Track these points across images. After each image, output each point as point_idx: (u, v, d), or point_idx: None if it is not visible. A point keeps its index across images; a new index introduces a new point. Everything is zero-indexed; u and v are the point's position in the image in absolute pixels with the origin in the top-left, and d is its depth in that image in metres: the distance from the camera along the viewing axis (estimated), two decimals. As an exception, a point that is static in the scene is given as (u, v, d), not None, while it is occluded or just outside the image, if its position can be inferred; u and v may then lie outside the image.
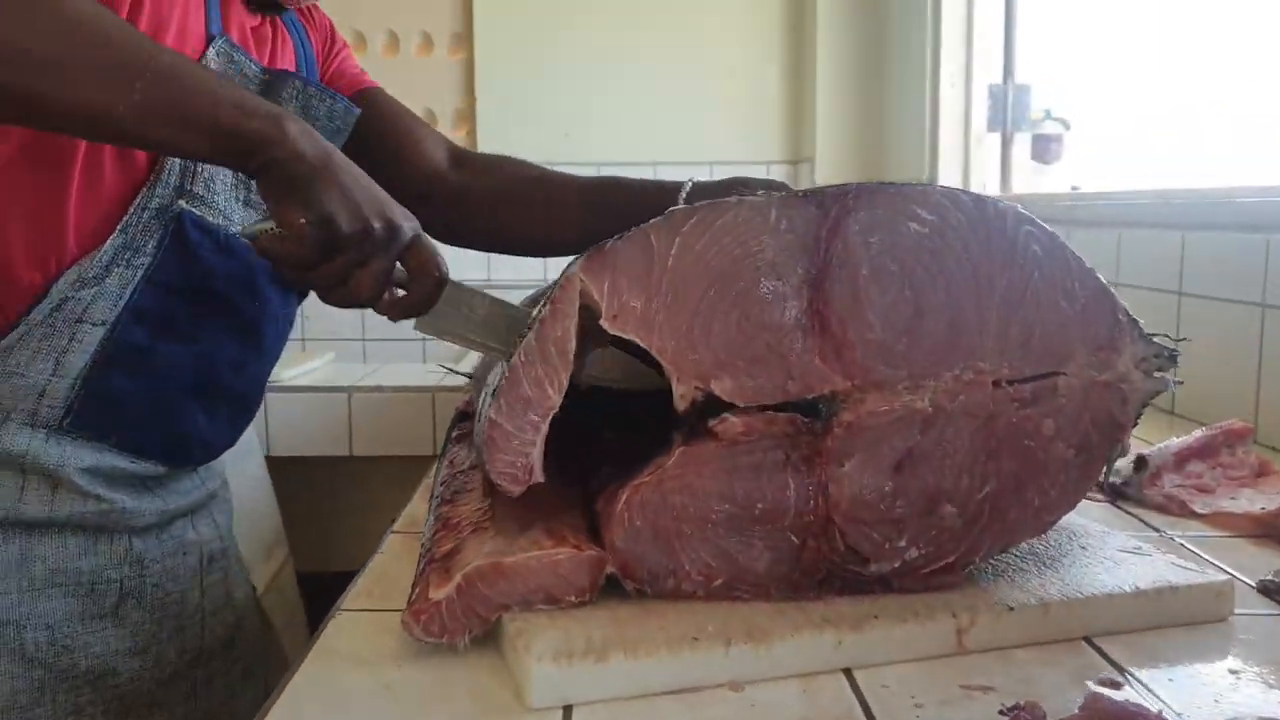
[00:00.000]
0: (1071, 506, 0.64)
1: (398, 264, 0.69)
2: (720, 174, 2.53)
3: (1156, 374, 0.64)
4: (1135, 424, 0.64)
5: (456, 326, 0.71)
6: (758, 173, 2.54)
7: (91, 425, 0.81)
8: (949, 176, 2.12)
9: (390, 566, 0.74)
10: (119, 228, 0.79)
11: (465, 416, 0.93)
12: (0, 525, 0.80)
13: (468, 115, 2.50)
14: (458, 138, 2.48)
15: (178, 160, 0.81)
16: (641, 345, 0.60)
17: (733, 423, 0.60)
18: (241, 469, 1.54)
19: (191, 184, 0.83)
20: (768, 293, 0.60)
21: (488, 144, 2.47)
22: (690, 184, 0.93)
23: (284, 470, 1.79)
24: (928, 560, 0.62)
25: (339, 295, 0.68)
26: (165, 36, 0.78)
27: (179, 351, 0.85)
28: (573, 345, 0.59)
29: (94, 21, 0.64)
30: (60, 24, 0.62)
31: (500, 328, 0.70)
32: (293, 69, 0.97)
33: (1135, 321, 0.64)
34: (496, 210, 1.06)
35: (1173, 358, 0.64)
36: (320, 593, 0.97)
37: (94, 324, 0.79)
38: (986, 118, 2.12)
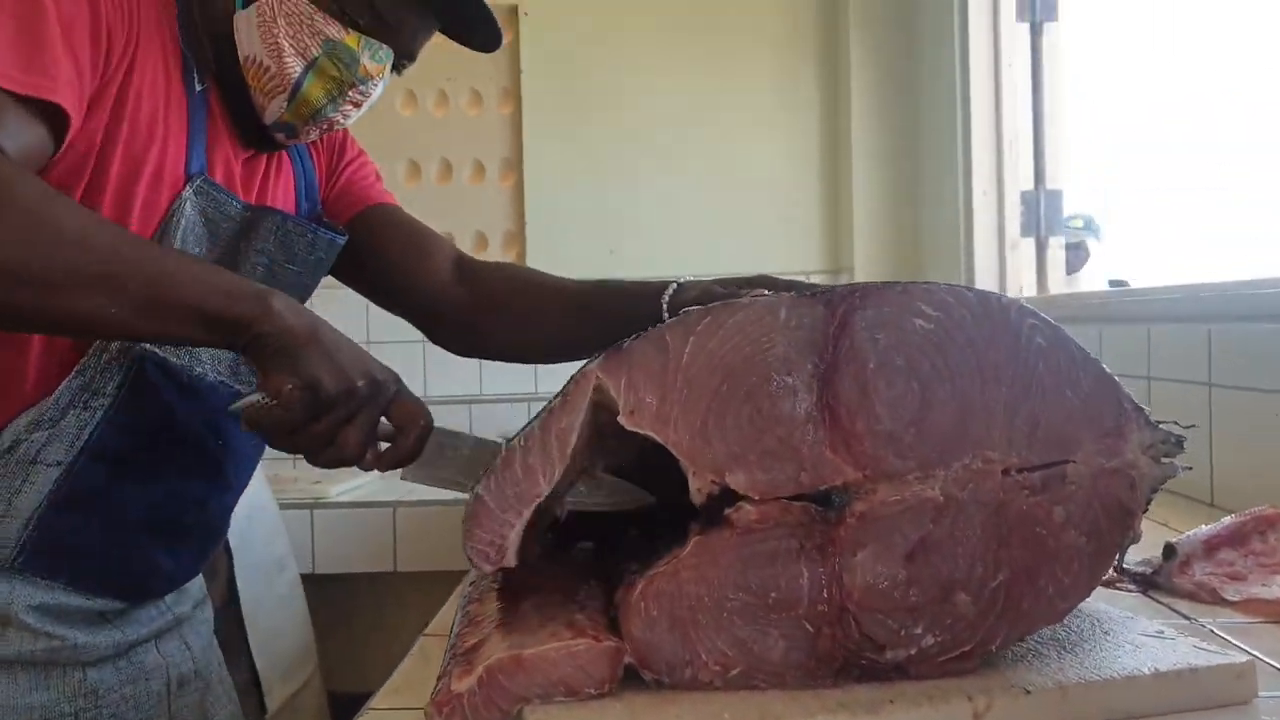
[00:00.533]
0: (1086, 593, 0.65)
1: (383, 419, 0.73)
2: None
3: (1164, 460, 0.65)
4: (1145, 510, 0.65)
5: (443, 471, 0.76)
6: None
7: (42, 565, 0.82)
8: (985, 281, 2.15)
9: (420, 667, 0.76)
10: (76, 370, 0.81)
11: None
12: None
13: (518, 237, 2.62)
14: (508, 258, 2.59)
15: None
16: (657, 440, 0.63)
17: (747, 511, 0.62)
18: (270, 589, 1.57)
19: None
20: (779, 388, 0.63)
21: (536, 262, 2.58)
22: (674, 287, 0.96)
23: (324, 587, 1.81)
24: (944, 648, 0.62)
25: (327, 455, 0.72)
26: (141, 176, 0.82)
27: (138, 491, 0.86)
28: (574, 440, 0.62)
29: (82, 234, 0.67)
30: (51, 240, 0.66)
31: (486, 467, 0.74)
32: (289, 197, 1.01)
33: (1140, 409, 0.65)
34: (488, 318, 1.08)
35: (1179, 443, 0.65)
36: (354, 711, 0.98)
37: (48, 465, 0.81)
38: (1020, 223, 2.15)
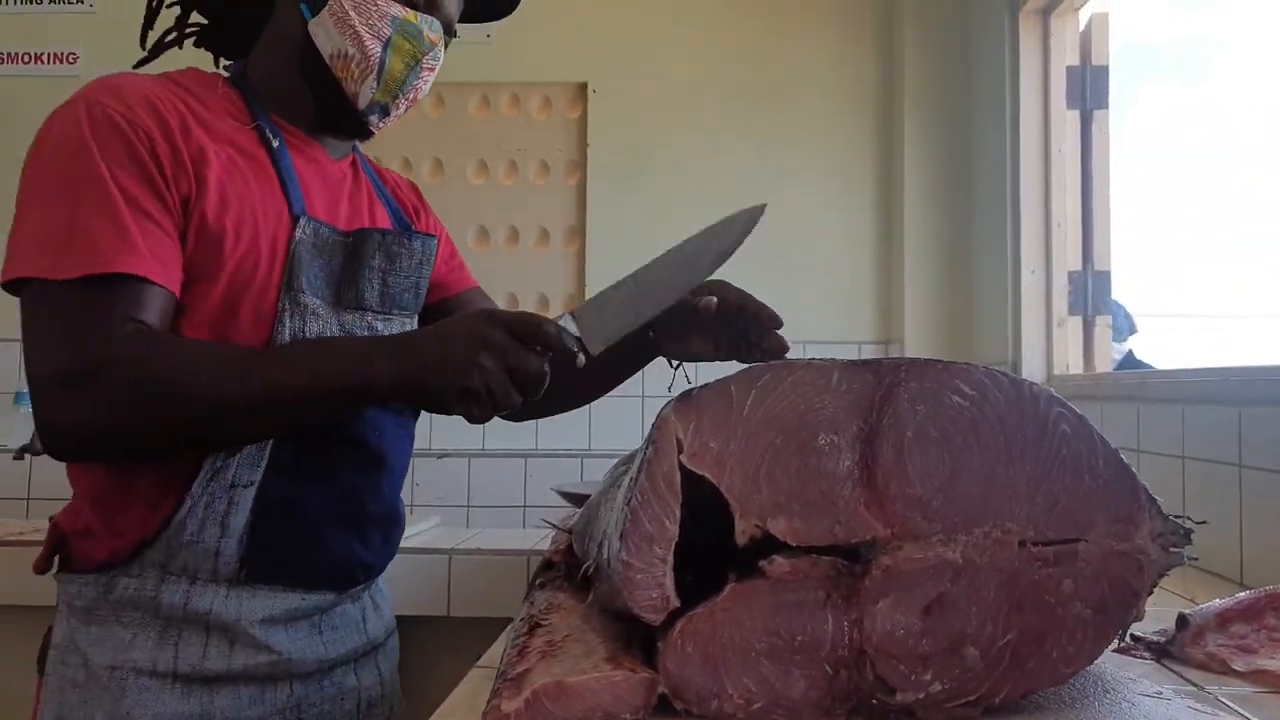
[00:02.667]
0: (1089, 662, 0.71)
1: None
2: (813, 353, 2.67)
3: (1173, 549, 0.71)
4: (1150, 592, 0.71)
5: (614, 325, 0.90)
6: (848, 352, 2.68)
7: (263, 572, 0.95)
8: (1032, 358, 2.20)
9: (472, 694, 0.81)
10: None
11: (549, 565, 1.03)
12: (185, 680, 0.93)
13: (578, 299, 2.73)
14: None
15: (288, 323, 0.96)
16: (712, 481, 0.70)
17: (780, 564, 0.69)
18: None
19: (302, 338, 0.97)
20: (825, 445, 0.70)
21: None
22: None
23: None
24: (950, 695, 0.69)
25: (529, 395, 0.86)
26: (259, 240, 0.94)
27: (322, 490, 0.98)
28: (678, 478, 0.69)
29: (217, 378, 0.85)
30: (201, 391, 0.84)
31: (652, 288, 0.92)
32: (384, 219, 1.12)
33: (1154, 500, 0.72)
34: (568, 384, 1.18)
35: (1188, 535, 0.71)
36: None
37: (244, 485, 0.93)
38: (1068, 302, 2.20)
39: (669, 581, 0.69)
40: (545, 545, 2.02)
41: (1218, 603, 0.97)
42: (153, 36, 1.07)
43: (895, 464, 0.70)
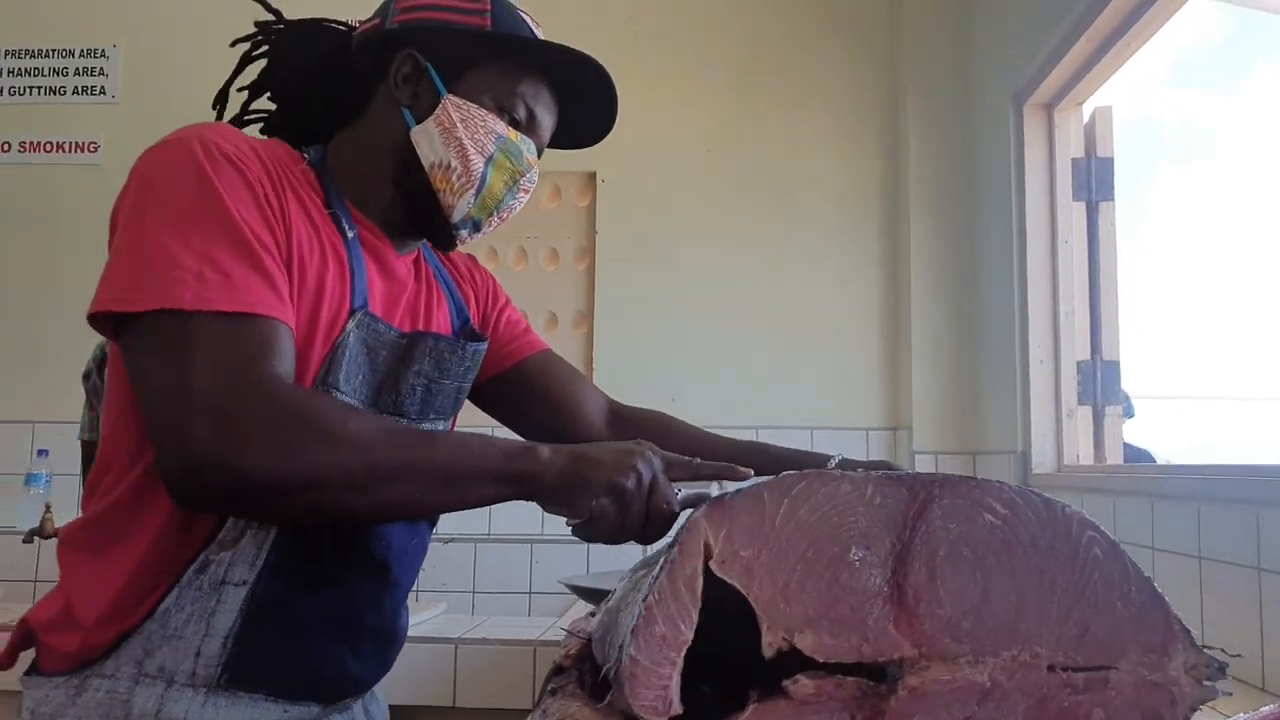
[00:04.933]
0: (1118, 795, 0.69)
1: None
2: (820, 437, 2.68)
3: (1206, 682, 0.70)
4: (1182, 727, 0.70)
5: None
6: (857, 438, 2.68)
7: (245, 679, 0.90)
8: (1042, 448, 2.20)
9: None
10: None
11: (560, 670, 1.01)
12: None
13: (586, 376, 2.75)
14: None
15: None
16: (740, 591, 0.70)
17: (805, 684, 0.68)
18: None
19: None
20: (857, 560, 0.70)
21: None
22: (838, 458, 1.02)
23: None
24: (979, 827, 0.67)
25: (655, 529, 0.88)
26: (318, 322, 0.91)
27: (318, 600, 0.94)
28: (700, 583, 0.68)
29: (376, 439, 0.82)
30: (359, 451, 0.81)
31: None
32: (444, 321, 1.10)
33: (1188, 630, 0.71)
34: None
35: (1222, 669, 0.70)
36: None
37: (235, 584, 0.89)
38: (1077, 392, 2.21)
39: (674, 685, 0.68)
40: (552, 634, 1.99)
41: (1241, 716, 0.96)
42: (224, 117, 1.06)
43: (927, 583, 0.70)
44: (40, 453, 2.59)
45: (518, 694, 1.87)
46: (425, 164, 0.98)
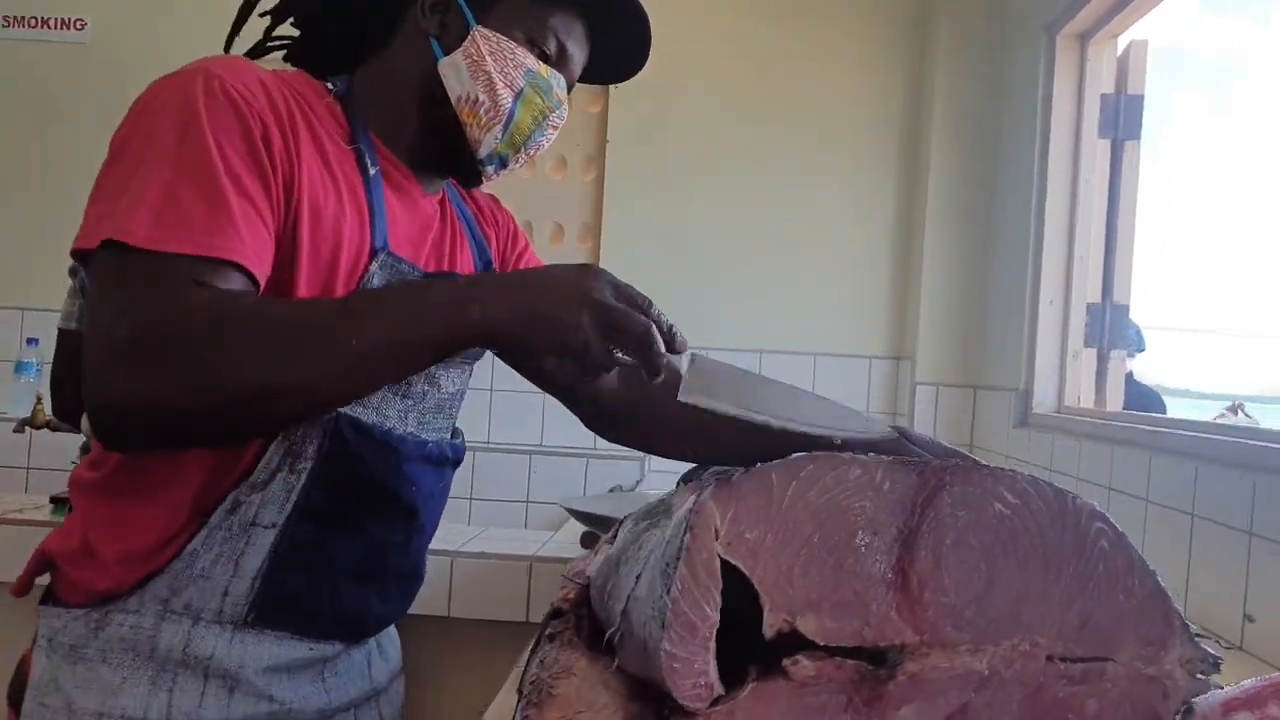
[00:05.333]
0: (1105, 782, 0.71)
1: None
2: (823, 365, 2.68)
3: (1200, 676, 0.71)
4: (1175, 719, 0.71)
5: (717, 394, 0.81)
6: (859, 366, 2.67)
7: (271, 618, 0.90)
8: (1044, 388, 2.20)
9: None
10: (281, 435, 0.88)
11: (558, 614, 1.01)
12: None
13: None
14: None
15: None
16: (744, 572, 0.70)
17: (805, 666, 0.68)
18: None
19: None
20: (863, 545, 0.69)
21: None
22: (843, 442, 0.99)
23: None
24: (968, 810, 0.69)
25: (647, 349, 0.78)
26: (338, 262, 0.89)
27: (347, 542, 0.94)
28: (718, 564, 0.68)
29: (303, 331, 0.78)
30: (287, 350, 0.77)
31: (764, 402, 0.80)
32: (468, 263, 1.08)
33: (1186, 625, 0.71)
34: (658, 429, 1.13)
35: (1216, 664, 0.71)
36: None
37: (264, 526, 0.88)
38: (1084, 334, 2.19)
39: (712, 670, 0.68)
40: (548, 550, 2.02)
41: (1223, 691, 0.98)
42: (239, 45, 1.01)
43: (933, 571, 0.70)
44: (30, 341, 2.59)
45: (512, 608, 1.92)
46: (452, 97, 0.95)
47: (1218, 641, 0.73)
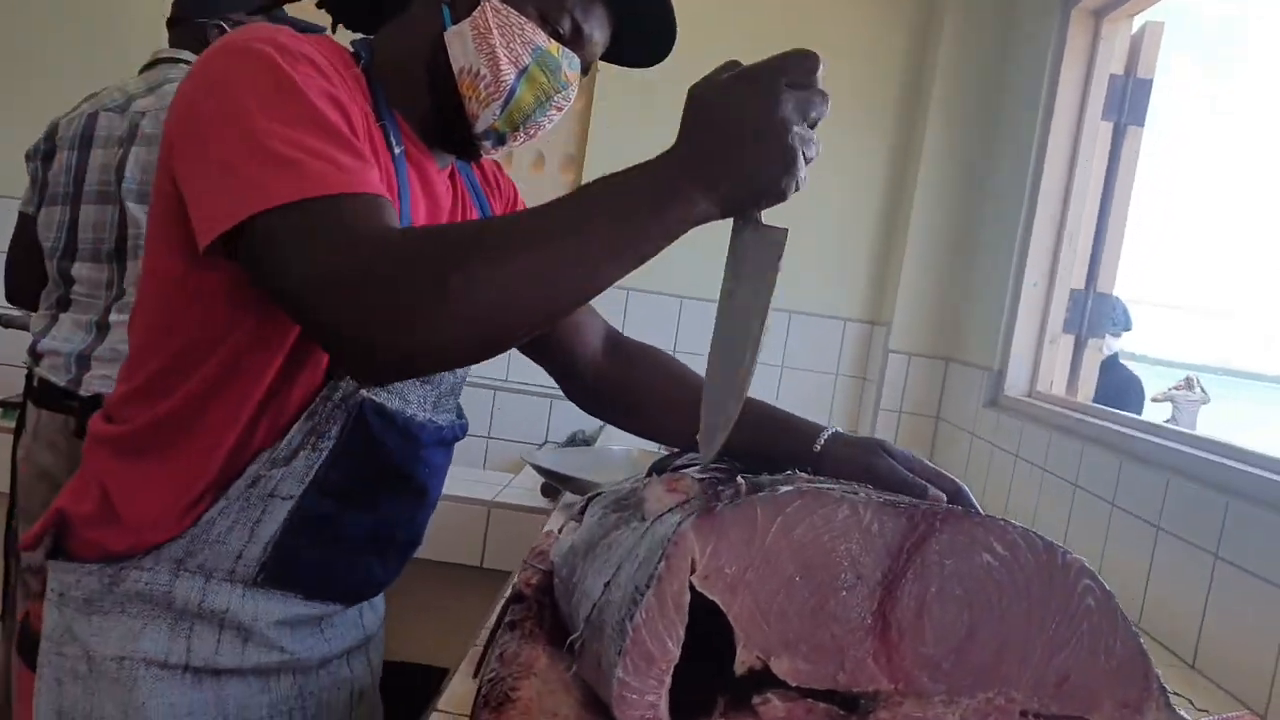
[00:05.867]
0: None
1: None
2: (798, 323, 2.63)
3: (1171, 741, 0.70)
4: (1141, 783, 0.70)
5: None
6: (833, 327, 2.63)
7: (280, 580, 0.91)
8: (1017, 371, 2.19)
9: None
10: (305, 414, 0.87)
11: (520, 598, 0.99)
12: (197, 672, 0.89)
13: None
14: None
15: None
16: (720, 607, 0.67)
17: (775, 706, 0.66)
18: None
19: None
20: (846, 589, 0.67)
21: None
22: (829, 433, 0.95)
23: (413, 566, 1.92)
24: None
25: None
26: None
27: (359, 516, 0.94)
28: (687, 599, 0.65)
29: (535, 237, 0.70)
30: (529, 258, 0.70)
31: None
32: None
33: (1164, 690, 0.70)
34: (641, 403, 1.13)
35: (1189, 731, 0.70)
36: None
37: (282, 498, 0.88)
38: (1064, 319, 2.18)
39: (663, 704, 0.66)
40: (508, 497, 2.00)
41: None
42: None
43: (914, 619, 0.67)
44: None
45: (468, 551, 1.92)
46: (455, 68, 0.91)
47: (1193, 705, 0.72)
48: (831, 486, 0.70)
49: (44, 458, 1.63)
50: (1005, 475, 2.05)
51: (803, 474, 0.83)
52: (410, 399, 0.94)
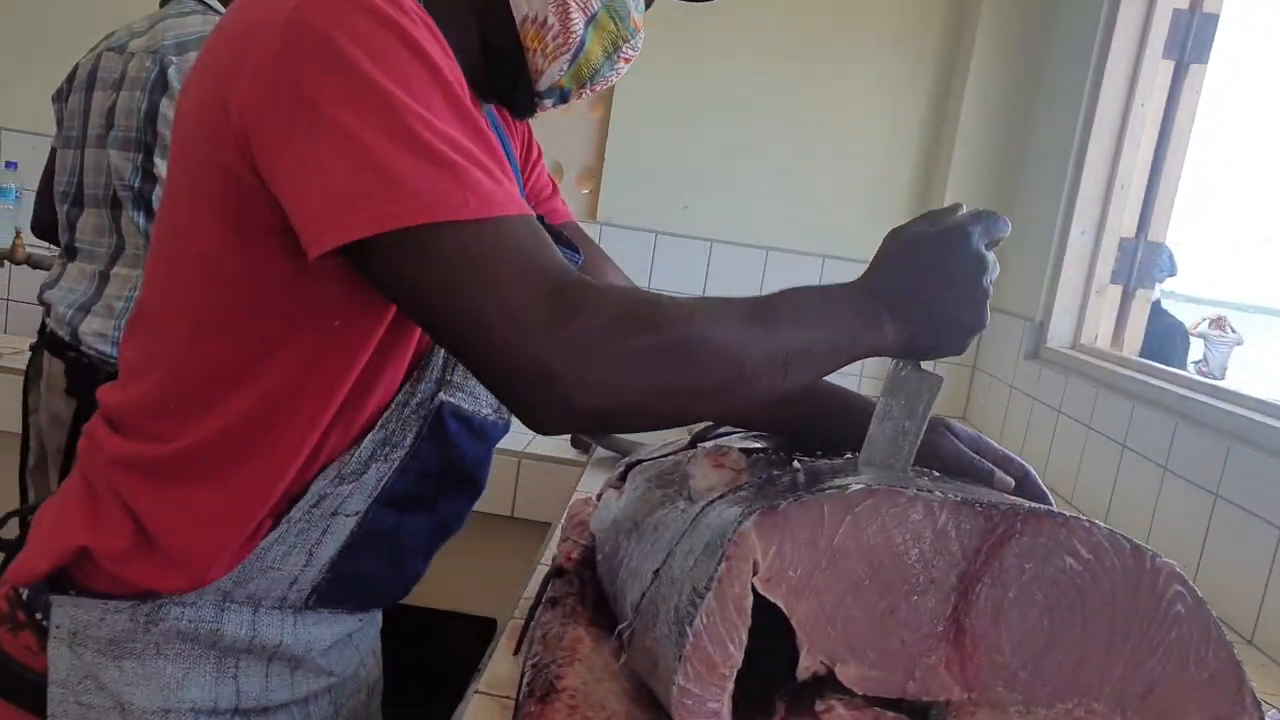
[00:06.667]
0: None
1: None
2: (831, 267, 2.54)
3: (1261, 756, 0.65)
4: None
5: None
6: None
7: (333, 600, 0.85)
8: (1061, 323, 2.11)
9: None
10: (379, 424, 0.79)
11: (561, 573, 0.95)
12: (246, 714, 0.82)
13: (595, 173, 2.54)
14: (580, 194, 2.53)
15: (442, 352, 0.81)
16: (783, 610, 0.62)
17: (840, 714, 0.62)
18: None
19: (451, 373, 0.82)
20: (919, 593, 0.62)
21: (609, 201, 2.53)
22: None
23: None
24: None
25: None
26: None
27: (420, 523, 0.88)
28: (750, 601, 0.61)
29: (742, 340, 0.67)
30: (726, 360, 0.66)
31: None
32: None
33: (1259, 705, 0.65)
34: None
35: (1281, 746, 0.65)
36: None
37: (347, 515, 0.81)
38: (1112, 269, 2.09)
39: (726, 710, 0.62)
40: (536, 449, 1.96)
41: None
42: None
43: (990, 626, 0.63)
44: (9, 165, 2.42)
45: (498, 502, 1.91)
46: (517, 17, 0.81)
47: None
48: (904, 483, 0.64)
49: (57, 404, 1.60)
50: (1046, 431, 1.99)
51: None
52: (481, 397, 0.86)
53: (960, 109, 2.41)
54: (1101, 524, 0.64)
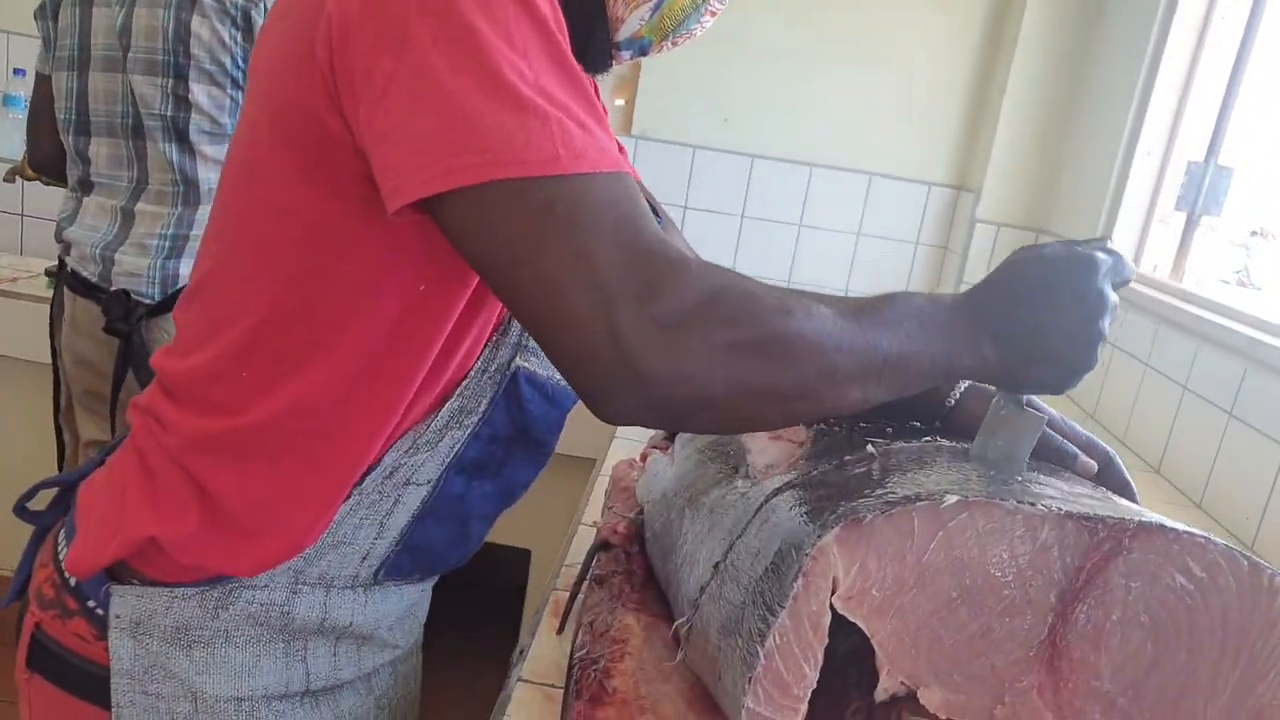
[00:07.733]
0: None
1: None
2: (877, 186, 2.43)
3: (1372, 785, 0.61)
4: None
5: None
6: (916, 192, 2.43)
7: (402, 571, 0.82)
8: (1121, 248, 2.00)
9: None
10: (457, 393, 0.75)
11: (606, 546, 0.90)
12: (315, 694, 0.80)
13: (630, 82, 2.41)
14: (615, 105, 2.41)
15: None
16: (862, 629, 0.58)
17: (928, 740, 0.58)
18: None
19: (528, 338, 0.77)
20: (1014, 615, 0.57)
21: (645, 114, 2.42)
22: (965, 385, 0.81)
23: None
24: None
25: None
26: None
27: (489, 489, 0.84)
28: (828, 619, 0.56)
29: (825, 340, 0.60)
30: (803, 354, 0.59)
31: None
32: None
33: (1371, 734, 0.60)
34: None
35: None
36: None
37: (419, 484, 0.77)
38: (1177, 195, 1.98)
39: None
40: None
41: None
42: None
43: (1089, 650, 0.58)
44: (16, 71, 2.34)
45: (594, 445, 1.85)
46: None
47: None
48: (1003, 493, 0.59)
49: (83, 346, 1.55)
50: (1099, 367, 1.92)
51: (942, 440, 0.73)
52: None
53: (1023, 14, 2.26)
54: (1217, 539, 0.58)
